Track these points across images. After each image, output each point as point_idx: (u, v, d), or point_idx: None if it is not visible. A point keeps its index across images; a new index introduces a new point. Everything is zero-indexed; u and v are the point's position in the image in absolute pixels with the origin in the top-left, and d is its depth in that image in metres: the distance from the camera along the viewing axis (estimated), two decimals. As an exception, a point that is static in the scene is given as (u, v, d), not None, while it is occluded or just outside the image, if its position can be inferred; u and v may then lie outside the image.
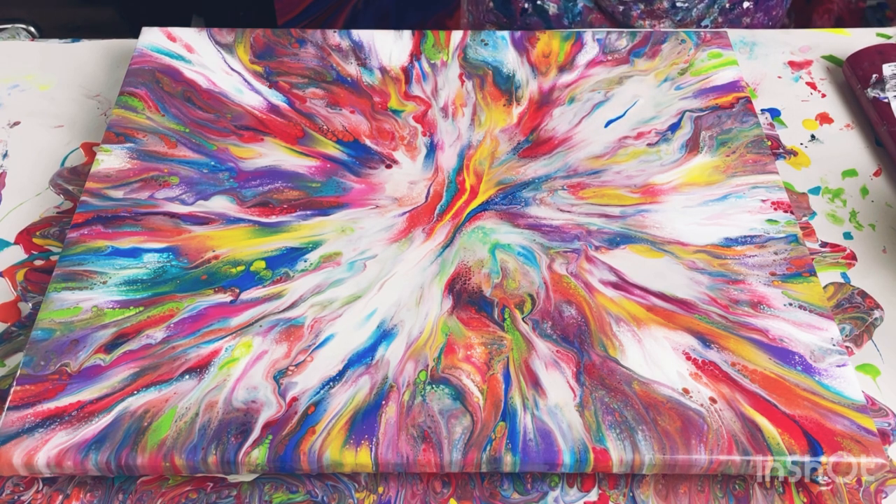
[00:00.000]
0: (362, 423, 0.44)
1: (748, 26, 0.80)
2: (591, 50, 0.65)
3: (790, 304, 0.50)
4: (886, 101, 0.64)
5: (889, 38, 0.73)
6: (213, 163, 0.56)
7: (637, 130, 0.60)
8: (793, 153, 0.63)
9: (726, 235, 0.54)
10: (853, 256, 0.57)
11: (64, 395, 0.45)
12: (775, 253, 0.53)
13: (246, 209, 0.54)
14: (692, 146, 0.59)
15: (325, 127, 0.60)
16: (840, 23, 1.28)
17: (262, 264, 0.51)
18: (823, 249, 0.57)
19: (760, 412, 0.45)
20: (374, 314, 0.49)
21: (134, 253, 0.51)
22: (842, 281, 0.56)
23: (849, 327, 0.53)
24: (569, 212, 0.55)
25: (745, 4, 0.77)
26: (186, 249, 0.52)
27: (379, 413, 0.45)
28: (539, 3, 0.73)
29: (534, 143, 0.59)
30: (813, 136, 0.65)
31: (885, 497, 0.46)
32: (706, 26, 0.62)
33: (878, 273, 0.56)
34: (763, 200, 0.56)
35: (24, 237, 0.56)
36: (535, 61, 0.64)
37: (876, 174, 0.62)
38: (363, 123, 0.60)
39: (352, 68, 0.63)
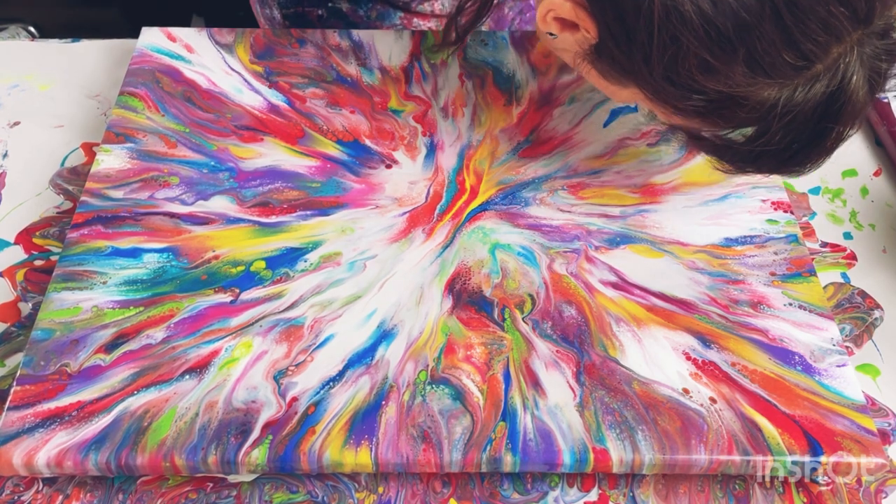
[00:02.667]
0: (362, 423, 0.44)
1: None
2: (591, 50, 0.65)
3: (790, 304, 0.50)
4: (886, 101, 0.64)
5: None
6: (213, 163, 0.56)
7: (638, 130, 0.60)
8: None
9: (726, 235, 0.54)
10: (853, 256, 0.57)
11: (64, 395, 0.45)
12: (775, 253, 0.53)
13: (246, 209, 0.54)
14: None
15: (325, 127, 0.60)
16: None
17: (262, 264, 0.51)
18: (823, 249, 0.57)
19: (760, 412, 0.45)
20: (374, 314, 0.49)
21: (134, 253, 0.51)
22: (842, 281, 0.56)
23: (849, 327, 0.53)
24: (569, 212, 0.55)
25: None
26: (186, 249, 0.52)
27: (379, 413, 0.45)
28: (331, 4, 0.73)
29: (534, 143, 0.59)
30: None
31: (885, 497, 0.46)
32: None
33: (878, 273, 0.56)
34: (763, 200, 0.56)
35: (24, 237, 0.56)
36: (535, 61, 0.64)
37: (876, 174, 0.62)
38: (363, 123, 0.60)
39: (352, 68, 0.63)
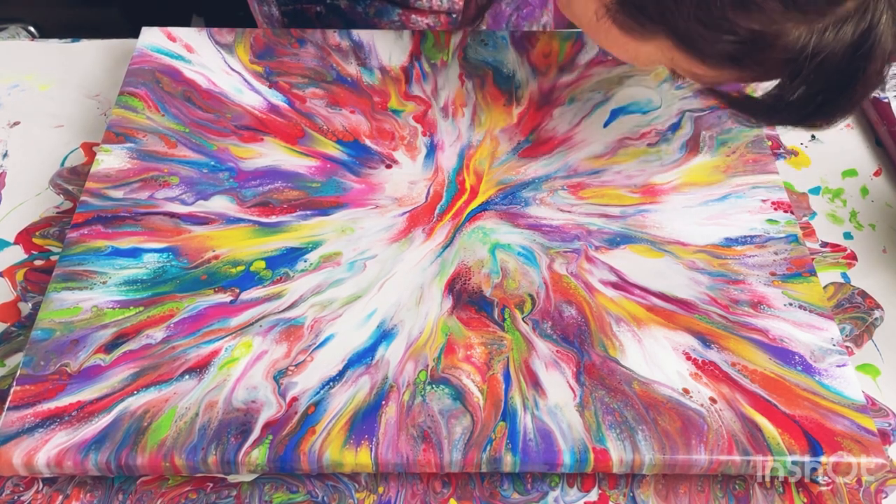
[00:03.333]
0: (362, 423, 0.44)
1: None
2: (591, 50, 0.65)
3: (790, 304, 0.50)
4: (886, 101, 0.64)
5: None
6: (213, 163, 0.56)
7: (638, 130, 0.60)
8: (793, 153, 0.63)
9: (726, 235, 0.54)
10: (853, 256, 0.57)
11: (64, 395, 0.45)
12: (775, 253, 0.53)
13: (246, 209, 0.54)
14: (692, 146, 0.59)
15: (325, 127, 0.60)
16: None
17: (262, 264, 0.51)
18: (823, 249, 0.57)
19: (760, 412, 0.45)
20: (374, 314, 0.49)
21: (134, 253, 0.51)
22: (842, 281, 0.56)
23: (849, 327, 0.53)
24: (569, 212, 0.55)
25: None
26: (186, 249, 0.52)
27: (379, 413, 0.45)
28: (329, 0, 0.73)
29: (534, 143, 0.59)
30: (813, 136, 0.65)
31: (885, 497, 0.46)
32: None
33: (878, 273, 0.56)
34: (763, 200, 0.56)
35: (24, 237, 0.56)
36: (535, 61, 0.64)
37: (876, 174, 0.62)
38: (363, 123, 0.60)
39: (352, 68, 0.63)
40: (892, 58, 0.41)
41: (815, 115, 0.44)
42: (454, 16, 0.75)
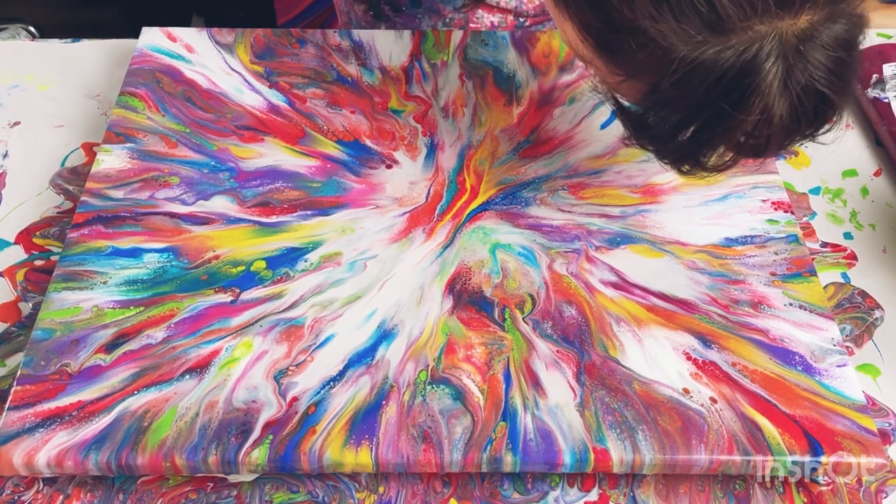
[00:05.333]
0: (363, 423, 0.44)
1: None
2: (591, 50, 0.65)
3: (790, 304, 0.50)
4: (886, 101, 0.64)
5: (889, 38, 0.73)
6: (213, 163, 0.56)
7: (637, 130, 0.60)
8: (793, 153, 0.63)
9: (726, 235, 0.54)
10: (853, 256, 0.57)
11: (64, 395, 0.45)
12: (775, 253, 0.53)
13: (246, 209, 0.54)
14: (692, 146, 0.59)
15: (325, 127, 0.60)
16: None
17: (263, 264, 0.51)
18: (824, 249, 0.57)
19: (761, 412, 0.45)
20: (374, 314, 0.49)
21: (134, 253, 0.51)
22: (842, 281, 0.56)
23: (849, 327, 0.53)
24: (569, 212, 0.55)
25: None
26: (186, 249, 0.52)
27: (379, 413, 0.45)
28: None
29: (534, 143, 0.59)
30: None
31: (885, 497, 0.46)
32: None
33: (878, 273, 0.56)
34: (763, 200, 0.56)
35: (25, 237, 0.56)
36: (535, 61, 0.64)
37: (876, 174, 0.62)
38: (363, 123, 0.60)
39: (352, 68, 0.63)
40: (774, 109, 0.37)
41: (684, 149, 0.40)
42: (521, 19, 0.74)
